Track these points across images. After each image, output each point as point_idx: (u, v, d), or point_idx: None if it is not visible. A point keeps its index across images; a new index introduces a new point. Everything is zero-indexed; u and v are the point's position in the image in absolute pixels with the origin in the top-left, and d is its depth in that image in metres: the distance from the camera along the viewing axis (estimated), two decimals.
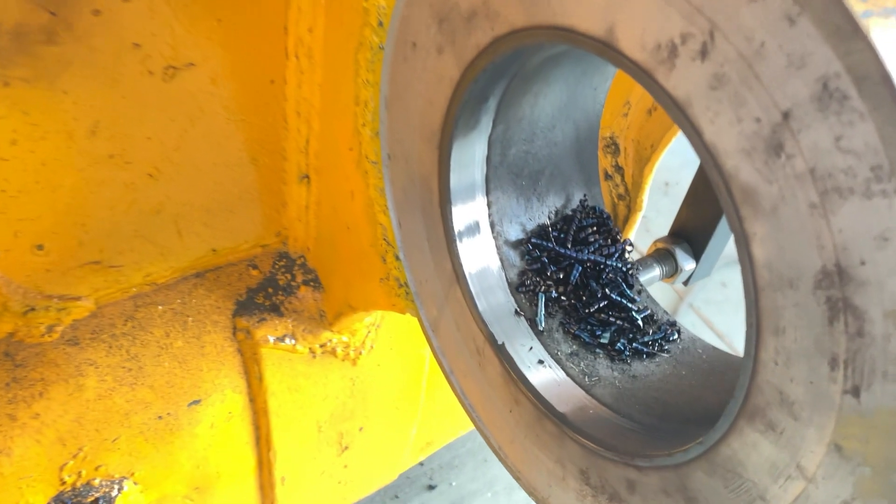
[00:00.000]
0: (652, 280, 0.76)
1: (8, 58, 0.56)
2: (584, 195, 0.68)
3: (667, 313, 0.67)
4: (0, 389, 0.75)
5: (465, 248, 0.61)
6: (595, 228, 0.66)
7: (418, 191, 0.62)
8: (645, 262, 0.75)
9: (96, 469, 0.83)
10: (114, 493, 0.85)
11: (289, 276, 0.88)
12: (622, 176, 1.11)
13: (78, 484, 0.83)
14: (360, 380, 1.00)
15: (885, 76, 0.29)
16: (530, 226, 0.65)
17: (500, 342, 0.61)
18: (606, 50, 0.41)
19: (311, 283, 0.88)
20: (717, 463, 0.44)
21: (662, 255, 0.78)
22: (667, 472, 0.48)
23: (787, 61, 0.32)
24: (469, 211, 0.61)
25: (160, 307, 0.82)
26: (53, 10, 0.56)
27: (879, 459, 0.35)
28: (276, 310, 0.87)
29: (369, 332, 0.95)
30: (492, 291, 0.62)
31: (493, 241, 0.63)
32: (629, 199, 1.11)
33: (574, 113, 0.64)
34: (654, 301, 0.68)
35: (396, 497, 1.70)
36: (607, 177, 1.12)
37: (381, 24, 0.59)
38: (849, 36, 0.30)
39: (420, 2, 0.53)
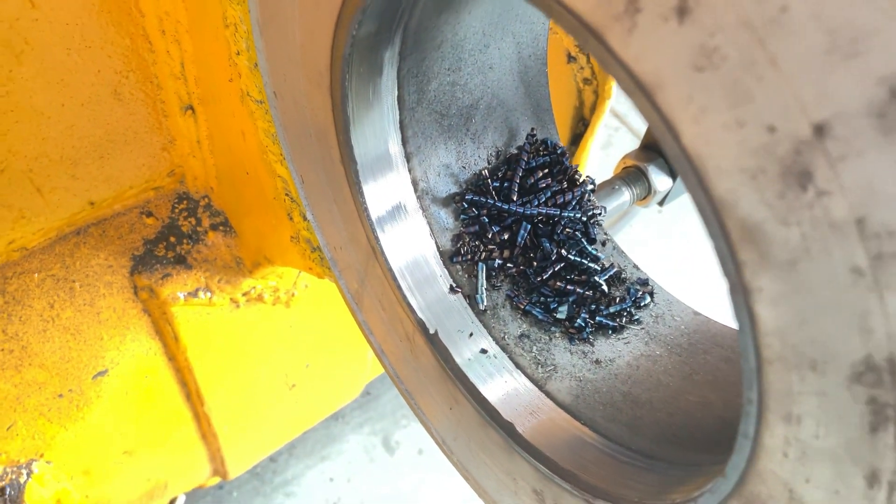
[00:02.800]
0: (621, 206, 0.63)
1: None
2: (533, 127, 0.53)
3: (637, 268, 0.54)
4: None
5: (379, 216, 0.47)
6: (547, 171, 0.52)
7: (315, 143, 0.48)
8: (611, 185, 0.62)
9: None
10: (22, 479, 0.76)
11: (193, 221, 0.74)
12: (587, 56, 0.95)
13: None
14: (297, 321, 0.89)
15: None
16: (464, 176, 0.51)
17: (431, 331, 0.49)
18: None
19: (221, 228, 0.74)
20: None
21: (632, 174, 0.64)
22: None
23: (830, 41, 0.18)
24: (381, 170, 0.47)
25: (36, 275, 0.68)
26: None
27: None
28: (182, 261, 0.74)
29: (299, 274, 0.82)
30: (419, 266, 0.49)
31: (416, 203, 0.49)
32: (596, 84, 0.96)
33: (511, 24, 0.48)
34: (621, 252, 0.56)
35: (368, 394, 1.66)
36: (570, 59, 0.95)
37: None
38: None
39: None
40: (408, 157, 0.48)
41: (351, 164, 0.46)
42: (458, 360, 0.48)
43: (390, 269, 0.49)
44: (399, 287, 0.48)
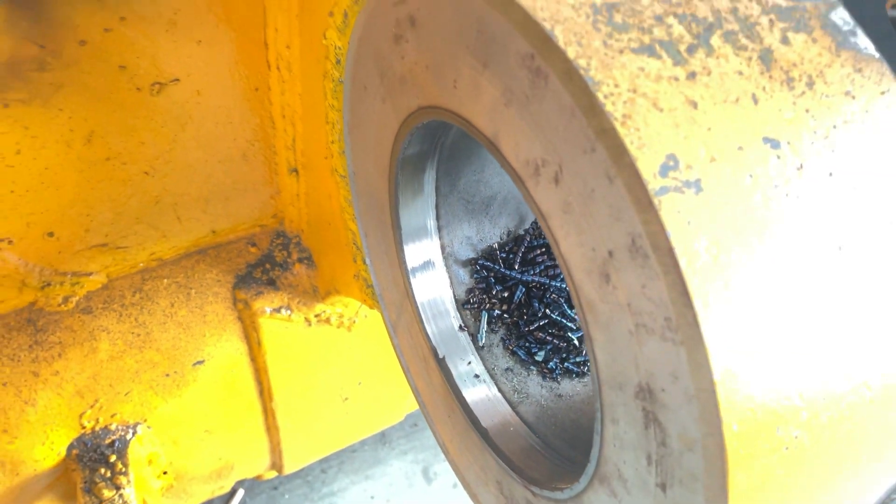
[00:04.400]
0: None
1: (5, 84, 0.63)
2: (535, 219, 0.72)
3: None
4: (24, 350, 0.85)
5: (413, 268, 0.66)
6: (544, 249, 0.70)
7: (376, 211, 0.67)
8: None
9: (112, 416, 0.95)
10: (128, 436, 0.97)
11: (285, 254, 0.95)
12: None
13: (96, 428, 0.95)
14: (356, 344, 1.09)
15: (670, 250, 0.33)
16: (481, 246, 0.70)
17: (440, 356, 0.67)
18: (493, 150, 0.44)
19: (305, 261, 0.95)
20: None
21: None
22: (550, 503, 0.54)
23: (609, 211, 0.36)
24: (419, 236, 0.66)
25: (165, 280, 0.90)
26: (42, 43, 0.62)
27: None
28: (272, 284, 0.95)
29: (361, 305, 1.02)
30: (438, 307, 0.68)
31: (442, 262, 0.68)
32: None
33: None
34: None
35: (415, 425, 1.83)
36: None
37: (338, 61, 0.63)
38: (645, 208, 0.34)
39: (365, 55, 0.57)
40: (439, 229, 0.67)
41: (398, 230, 0.66)
42: (457, 379, 0.66)
43: (417, 307, 0.67)
44: (422, 321, 0.67)
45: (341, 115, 0.67)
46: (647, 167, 0.33)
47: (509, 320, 0.69)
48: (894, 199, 0.37)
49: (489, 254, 0.70)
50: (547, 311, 0.68)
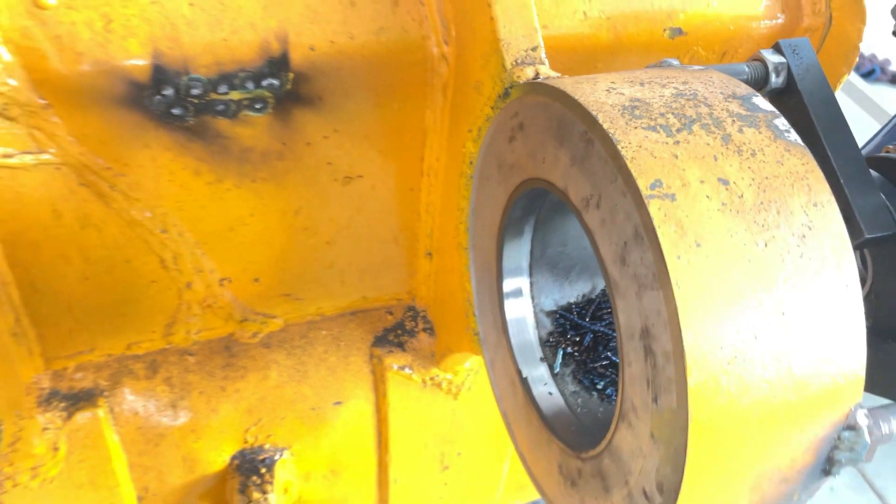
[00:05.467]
0: None
1: (257, 167, 0.97)
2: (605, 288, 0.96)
3: None
4: (218, 369, 1.15)
5: (510, 313, 0.92)
6: (609, 310, 0.94)
7: (486, 271, 0.95)
8: None
9: (267, 437, 1.21)
10: (276, 457, 1.23)
11: (413, 324, 1.23)
12: None
13: (255, 444, 1.21)
14: (460, 412, 1.32)
15: (653, 230, 0.58)
16: (561, 302, 0.95)
17: (524, 376, 0.90)
18: (565, 198, 0.72)
19: (428, 331, 1.22)
20: (612, 452, 0.71)
21: None
22: (593, 461, 0.75)
23: (624, 216, 0.62)
24: (514, 286, 0.92)
25: (324, 332, 1.20)
26: (284, 141, 0.97)
27: (665, 439, 0.62)
28: (401, 346, 1.22)
29: (468, 375, 1.27)
30: (527, 344, 0.92)
31: (531, 309, 0.93)
32: None
33: None
34: None
35: None
36: None
37: (471, 163, 0.94)
38: (641, 208, 0.60)
39: (489, 154, 0.87)
40: (531, 286, 0.93)
41: (500, 286, 0.92)
42: (535, 395, 0.88)
43: (511, 343, 0.92)
44: (514, 354, 0.91)
45: (468, 202, 0.97)
46: (643, 184, 0.59)
47: (578, 358, 0.92)
48: (801, 214, 0.61)
49: (567, 308, 0.95)
50: (608, 353, 0.91)
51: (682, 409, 0.59)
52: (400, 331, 1.22)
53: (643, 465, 0.66)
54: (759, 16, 1.04)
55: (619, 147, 0.62)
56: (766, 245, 0.60)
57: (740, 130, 0.65)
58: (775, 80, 0.83)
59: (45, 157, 0.90)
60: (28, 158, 0.89)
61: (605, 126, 0.63)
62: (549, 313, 0.94)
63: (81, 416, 1.08)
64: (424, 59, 0.95)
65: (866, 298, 0.85)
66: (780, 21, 1.05)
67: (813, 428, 0.63)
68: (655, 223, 0.59)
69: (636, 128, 0.63)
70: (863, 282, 0.86)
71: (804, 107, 0.83)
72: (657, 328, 0.60)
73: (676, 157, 0.62)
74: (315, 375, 1.19)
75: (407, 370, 1.22)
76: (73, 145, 0.90)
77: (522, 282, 0.92)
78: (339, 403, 1.22)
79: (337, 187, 1.04)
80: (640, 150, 0.62)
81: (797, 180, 0.63)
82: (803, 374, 0.61)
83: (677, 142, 0.63)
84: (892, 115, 0.92)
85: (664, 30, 1.00)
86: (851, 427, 0.64)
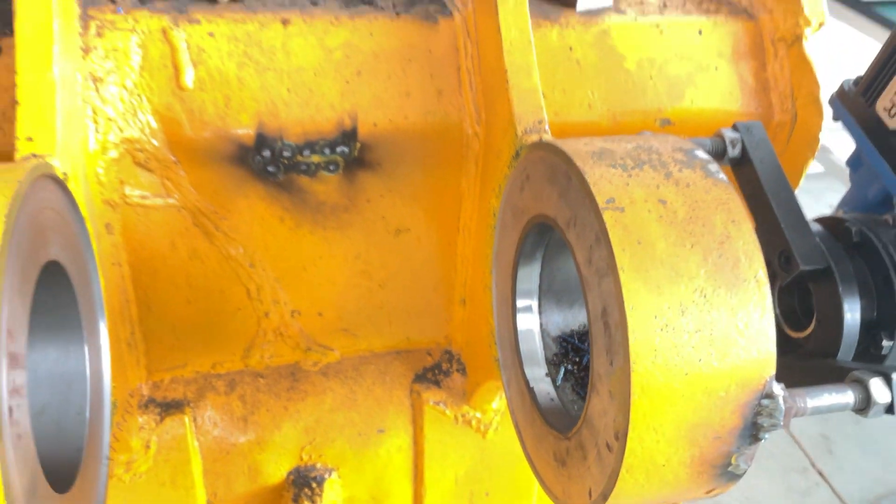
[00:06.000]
0: None
1: (328, 217, 1.24)
2: None
3: None
4: (284, 391, 1.38)
5: (521, 325, 1.13)
6: None
7: (504, 302, 1.16)
8: None
9: (319, 456, 1.41)
10: (325, 476, 1.42)
11: (448, 365, 1.44)
12: None
13: (308, 462, 1.41)
14: (487, 451, 1.49)
15: (605, 232, 0.81)
16: (565, 329, 1.15)
17: (531, 386, 1.09)
18: (555, 225, 0.94)
19: (461, 371, 1.43)
20: (587, 421, 0.89)
21: None
22: (576, 437, 0.93)
23: (590, 228, 0.85)
24: (525, 304, 1.13)
25: (372, 366, 1.42)
26: (350, 198, 1.24)
27: (618, 393, 0.81)
28: (437, 384, 1.43)
29: (496, 416, 1.46)
30: (534, 360, 1.12)
31: (539, 334, 1.13)
32: None
33: None
34: None
35: None
36: None
37: (494, 215, 1.18)
38: (599, 217, 0.82)
39: (506, 203, 1.11)
40: (540, 314, 1.14)
41: (514, 306, 1.14)
42: (538, 397, 1.07)
43: (521, 361, 1.12)
44: (523, 370, 1.11)
45: (492, 250, 1.21)
46: (601, 200, 0.82)
47: (577, 374, 1.11)
48: (722, 227, 0.82)
49: (569, 334, 1.15)
50: None
51: (626, 365, 0.79)
52: (437, 370, 1.43)
53: (605, 421, 0.85)
54: (737, 112, 1.29)
55: (585, 177, 0.85)
56: (692, 246, 0.82)
57: (680, 170, 0.88)
58: (732, 152, 1.07)
59: (170, 200, 1.19)
60: (158, 201, 1.18)
61: (577, 163, 0.87)
62: (555, 338, 1.14)
63: (170, 422, 1.31)
64: (461, 137, 1.22)
65: (815, 325, 1.03)
66: (753, 114, 1.29)
67: (735, 392, 0.81)
68: (608, 226, 0.81)
69: (600, 165, 0.87)
70: (810, 313, 1.04)
71: (755, 172, 1.05)
72: (611, 305, 0.81)
73: (627, 184, 0.85)
74: (363, 404, 1.40)
75: (441, 405, 1.41)
76: (192, 193, 1.19)
77: (532, 301, 1.13)
78: (382, 431, 1.42)
79: (389, 238, 1.29)
80: (601, 178, 0.85)
81: (720, 204, 0.85)
82: (722, 345, 0.80)
83: (630, 175, 0.86)
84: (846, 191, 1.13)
85: (655, 120, 1.26)
86: (769, 395, 0.82)
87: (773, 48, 1.29)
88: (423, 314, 1.40)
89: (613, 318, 0.81)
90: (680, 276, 0.80)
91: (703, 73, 1.27)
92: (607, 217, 0.82)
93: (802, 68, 1.25)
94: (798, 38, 1.25)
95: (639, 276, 0.79)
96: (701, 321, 0.80)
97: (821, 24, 1.25)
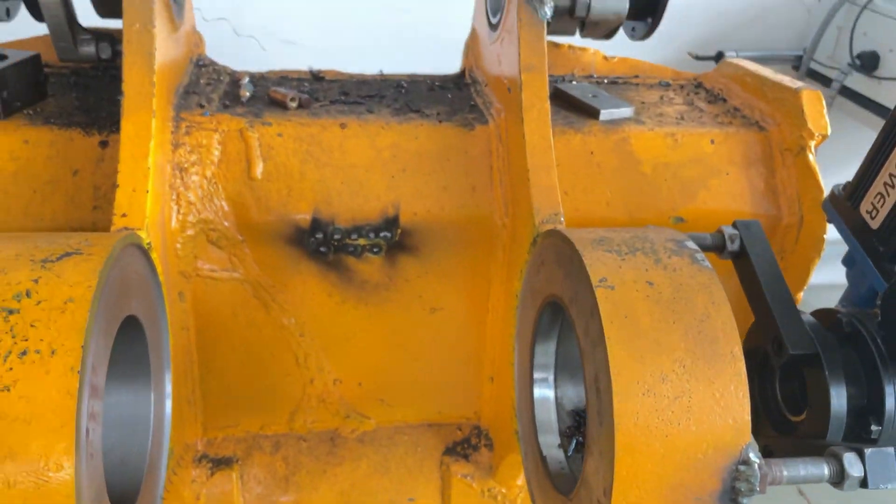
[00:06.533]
0: None
1: (370, 294, 1.39)
2: None
3: None
4: (323, 455, 1.50)
5: (537, 393, 1.23)
6: None
7: (523, 378, 1.27)
8: None
9: None
10: None
11: (477, 440, 1.54)
12: None
13: None
14: None
15: (595, 306, 0.93)
16: (579, 403, 1.24)
17: (544, 454, 1.18)
18: (562, 302, 1.07)
19: (489, 447, 1.53)
20: (584, 481, 0.98)
21: None
22: (576, 497, 1.01)
23: (587, 303, 0.97)
24: (542, 376, 1.23)
25: (406, 436, 1.53)
26: (391, 277, 1.39)
27: (605, 452, 0.90)
28: (466, 458, 1.52)
29: (520, 493, 1.53)
30: (548, 430, 1.21)
31: (554, 406, 1.23)
32: None
33: None
34: None
35: None
36: None
37: (517, 296, 1.32)
38: (593, 293, 0.94)
39: (527, 284, 1.24)
40: (555, 387, 1.24)
41: (531, 378, 1.25)
42: (550, 465, 1.16)
43: (537, 432, 1.21)
44: (538, 439, 1.20)
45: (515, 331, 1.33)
46: (595, 279, 0.94)
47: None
48: (703, 308, 0.93)
49: (582, 409, 1.25)
50: None
51: (612, 425, 0.89)
52: (466, 444, 1.53)
53: (597, 480, 0.94)
54: (748, 213, 1.40)
55: (583, 259, 0.98)
56: (674, 322, 0.93)
57: (669, 257, 1.00)
58: (731, 246, 1.18)
59: (236, 274, 1.36)
60: (225, 274, 1.36)
61: (578, 248, 1.01)
62: (569, 412, 1.24)
63: (220, 477, 1.45)
64: (491, 227, 1.37)
65: (808, 409, 1.11)
66: (763, 216, 1.40)
67: (714, 456, 0.90)
68: (599, 302, 0.93)
69: (598, 250, 1.00)
70: (803, 400, 1.12)
71: (752, 266, 1.16)
72: (601, 372, 0.92)
73: (620, 266, 0.97)
74: (396, 472, 1.51)
75: (469, 479, 1.51)
76: (255, 268, 1.36)
77: (548, 375, 1.24)
78: (412, 500, 1.51)
79: (425, 316, 1.43)
80: (597, 261, 0.98)
81: (703, 288, 0.96)
82: (700, 411, 0.89)
83: (623, 259, 0.99)
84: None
85: (669, 218, 1.38)
86: (745, 462, 0.90)
87: (781, 157, 1.41)
88: (454, 389, 1.51)
89: (603, 384, 0.92)
90: (662, 347, 0.91)
91: (716, 177, 1.40)
92: (599, 293, 0.94)
93: (807, 176, 1.37)
94: (803, 149, 1.37)
95: (625, 346, 0.91)
96: (680, 389, 0.90)
97: (823, 137, 1.37)
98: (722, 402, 0.90)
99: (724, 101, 1.58)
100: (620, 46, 1.62)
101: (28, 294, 0.85)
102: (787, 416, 1.17)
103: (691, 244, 1.03)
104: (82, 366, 0.82)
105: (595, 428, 0.94)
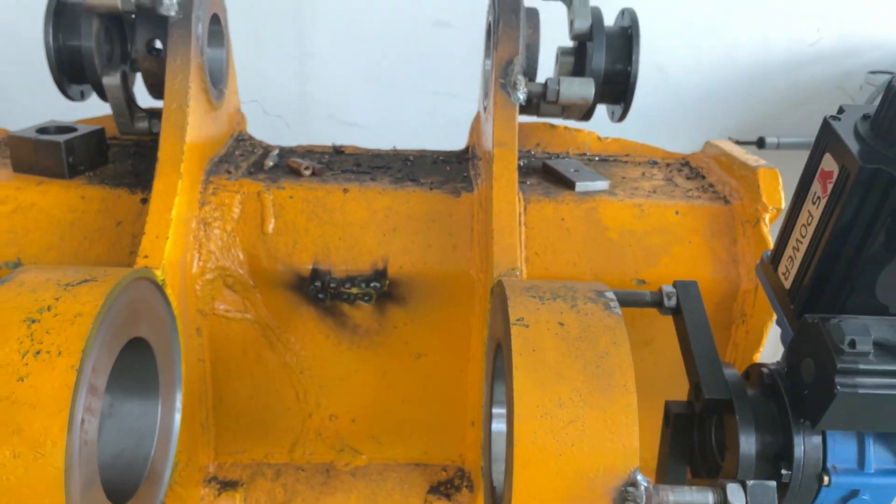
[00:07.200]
0: None
1: (363, 339, 1.58)
2: None
3: None
4: (318, 485, 1.66)
5: (493, 439, 1.35)
6: None
7: (486, 417, 1.41)
8: None
9: None
10: None
11: (460, 481, 1.67)
12: None
13: None
14: None
15: (510, 345, 1.07)
16: None
17: (494, 485, 1.30)
18: (499, 341, 1.21)
19: (469, 488, 1.65)
20: (504, 496, 1.10)
21: None
22: None
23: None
24: (499, 423, 1.36)
25: (394, 474, 1.67)
26: (380, 323, 1.57)
27: (509, 468, 1.03)
28: (448, 497, 1.65)
29: None
30: (500, 461, 1.33)
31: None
32: None
33: None
34: None
35: None
36: None
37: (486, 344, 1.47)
38: (509, 329, 1.09)
39: (489, 334, 1.39)
40: None
41: (490, 415, 1.38)
42: (497, 491, 1.28)
43: (490, 460, 1.34)
44: (491, 469, 1.33)
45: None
46: (513, 318, 1.09)
47: None
48: (605, 346, 1.06)
49: None
50: None
51: (512, 442, 1.02)
52: (449, 485, 1.66)
53: (507, 494, 1.06)
54: (708, 278, 1.52)
55: (508, 302, 1.14)
56: (577, 357, 1.06)
57: (585, 303, 1.14)
58: (668, 302, 1.30)
59: (247, 315, 1.58)
60: (238, 315, 1.58)
61: (508, 293, 1.16)
62: None
63: (226, 497, 1.63)
64: (469, 282, 1.54)
65: (727, 454, 1.20)
66: (723, 281, 1.52)
67: (604, 477, 1.01)
68: (513, 337, 1.08)
69: (524, 296, 1.15)
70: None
71: (684, 321, 1.28)
72: (509, 396, 1.06)
73: (538, 309, 1.12)
74: None
75: None
76: (263, 310, 1.58)
77: (504, 410, 1.37)
78: None
79: (411, 360, 1.60)
80: (520, 304, 1.13)
81: (608, 329, 1.10)
82: (592, 435, 1.02)
83: (543, 303, 1.13)
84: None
85: (632, 279, 1.52)
86: (633, 484, 1.01)
87: (741, 228, 1.53)
88: (440, 431, 1.66)
89: (509, 407, 1.06)
90: (563, 378, 1.05)
91: (678, 245, 1.53)
92: (514, 330, 1.09)
93: (762, 246, 1.48)
94: (759, 221, 1.49)
95: (529, 374, 1.05)
96: (575, 414, 1.03)
97: (778, 210, 1.48)
98: (613, 428, 1.02)
99: (703, 177, 1.71)
100: (655, 133, 1.79)
101: (49, 308, 1.08)
102: (718, 461, 1.26)
103: (610, 294, 1.17)
104: (81, 365, 1.04)
105: (508, 448, 1.07)
